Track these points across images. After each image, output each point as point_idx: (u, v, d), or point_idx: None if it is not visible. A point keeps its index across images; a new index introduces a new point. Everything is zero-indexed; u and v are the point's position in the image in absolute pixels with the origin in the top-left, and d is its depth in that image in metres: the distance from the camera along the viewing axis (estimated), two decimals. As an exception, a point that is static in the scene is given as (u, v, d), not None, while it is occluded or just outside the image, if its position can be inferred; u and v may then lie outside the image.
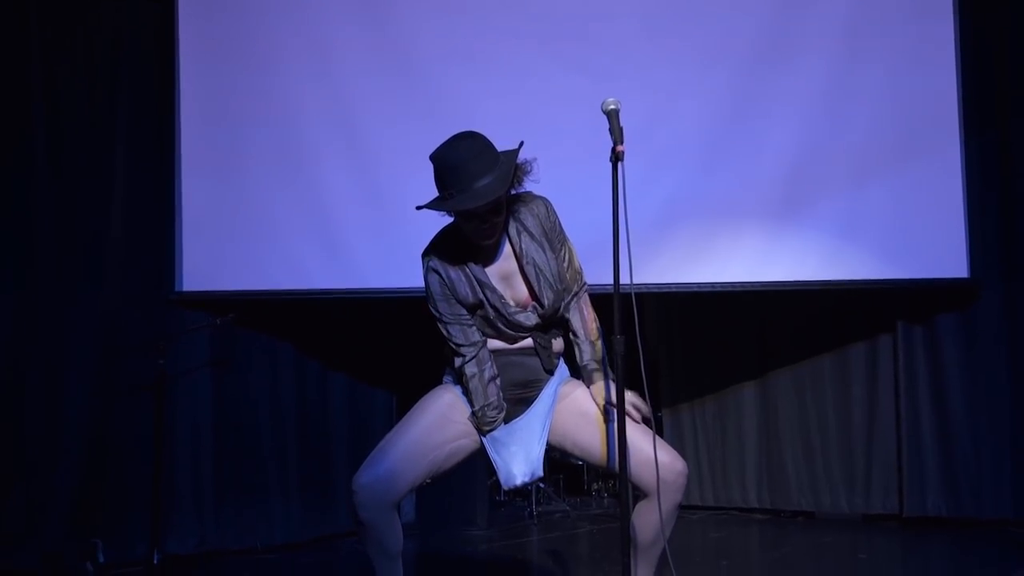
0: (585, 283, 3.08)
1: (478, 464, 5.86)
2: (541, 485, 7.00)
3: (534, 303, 2.96)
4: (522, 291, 2.96)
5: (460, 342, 2.95)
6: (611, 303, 2.59)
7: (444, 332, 2.97)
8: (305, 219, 5.41)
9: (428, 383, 3.12)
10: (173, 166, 5.42)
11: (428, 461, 2.93)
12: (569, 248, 3.02)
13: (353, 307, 5.82)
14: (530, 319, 2.96)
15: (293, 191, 5.41)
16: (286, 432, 5.81)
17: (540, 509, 6.81)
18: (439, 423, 2.97)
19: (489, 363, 2.96)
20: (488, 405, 2.94)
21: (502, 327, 2.96)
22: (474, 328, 2.96)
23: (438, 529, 6.16)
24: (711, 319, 6.69)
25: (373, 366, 6.23)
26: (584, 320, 3.04)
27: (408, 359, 5.79)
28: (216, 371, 5.50)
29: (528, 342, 3.01)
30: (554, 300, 2.95)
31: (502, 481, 2.97)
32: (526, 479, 2.96)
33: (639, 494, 2.92)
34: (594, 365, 3.01)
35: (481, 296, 2.91)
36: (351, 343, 6.13)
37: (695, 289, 5.43)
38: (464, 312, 2.94)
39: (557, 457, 7.56)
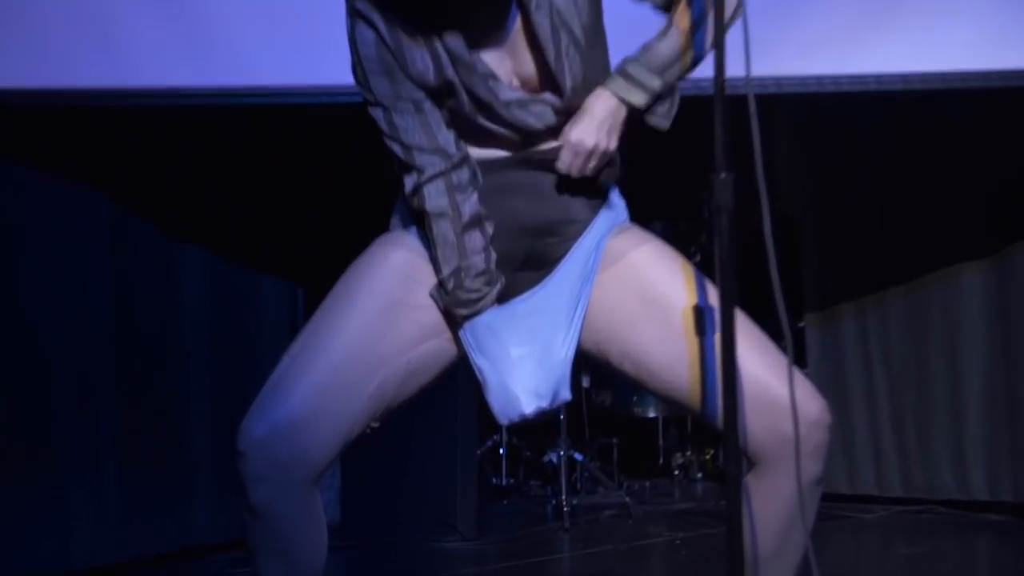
0: None
1: (458, 407, 5.95)
2: (577, 456, 7.09)
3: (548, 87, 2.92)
4: (528, 64, 2.92)
5: (414, 143, 2.90)
6: (710, 112, 2.56)
7: (383, 126, 2.92)
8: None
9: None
10: None
11: (372, 389, 2.87)
12: None
13: (220, 122, 5.85)
14: (543, 116, 2.91)
15: None
16: (92, 357, 5.85)
17: (576, 502, 6.88)
18: (387, 314, 2.92)
19: (470, 192, 2.94)
20: (467, 268, 2.91)
21: (491, 127, 2.95)
22: (442, 120, 2.93)
23: (386, 540, 6.29)
24: (898, 147, 6.74)
25: (259, 236, 6.28)
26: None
27: (326, 221, 5.83)
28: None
29: (549, 144, 2.98)
30: (583, 75, 2.89)
31: (496, 411, 2.93)
32: (542, 404, 2.90)
33: (746, 463, 2.87)
34: (647, 57, 2.89)
35: (451, 75, 2.86)
36: (217, 191, 6.19)
37: (867, 87, 5.44)
38: (421, 94, 2.90)
39: (606, 404, 7.67)
